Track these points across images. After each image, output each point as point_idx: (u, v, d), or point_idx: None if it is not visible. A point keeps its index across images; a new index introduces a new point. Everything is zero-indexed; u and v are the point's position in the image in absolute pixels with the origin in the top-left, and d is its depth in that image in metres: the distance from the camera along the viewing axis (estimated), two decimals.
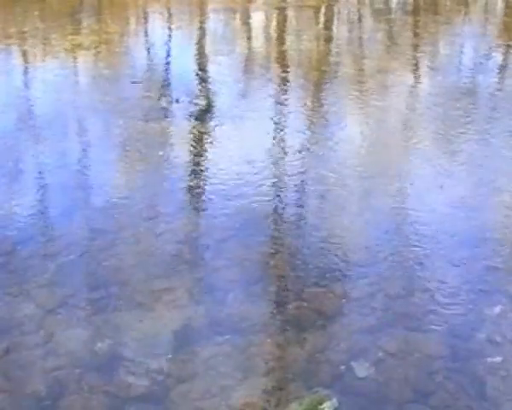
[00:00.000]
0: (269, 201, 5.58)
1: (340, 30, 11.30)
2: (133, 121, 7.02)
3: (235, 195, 5.60)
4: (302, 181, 5.93)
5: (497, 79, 8.60)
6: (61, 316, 4.26)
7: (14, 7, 11.60)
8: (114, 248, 4.92)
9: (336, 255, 4.84)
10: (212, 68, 8.86)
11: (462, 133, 6.81)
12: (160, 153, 6.40)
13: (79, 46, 9.46)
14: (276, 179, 5.95)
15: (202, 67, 8.95)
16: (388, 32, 10.98)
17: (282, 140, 6.76)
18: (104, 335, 4.12)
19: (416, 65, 9.22)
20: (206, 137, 6.76)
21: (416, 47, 9.98)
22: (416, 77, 8.79)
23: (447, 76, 8.63)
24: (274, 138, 6.77)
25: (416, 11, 12.20)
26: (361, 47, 10.26)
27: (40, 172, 6.11)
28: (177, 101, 7.53)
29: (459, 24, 11.54)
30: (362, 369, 3.88)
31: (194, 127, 6.96)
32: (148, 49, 10.07)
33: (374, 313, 4.30)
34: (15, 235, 5.06)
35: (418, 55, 9.59)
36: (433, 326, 4.19)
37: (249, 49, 10.03)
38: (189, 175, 6.04)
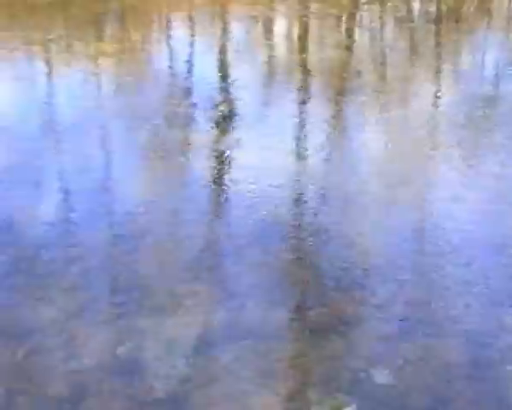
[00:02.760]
0: (290, 208, 5.60)
1: (361, 38, 11.28)
2: (155, 128, 7.07)
3: (257, 202, 5.62)
4: (323, 189, 5.93)
5: None
6: (82, 320, 4.29)
7: (38, 14, 11.68)
8: (136, 253, 4.96)
9: (357, 262, 4.85)
10: (234, 76, 8.89)
11: (485, 142, 6.78)
12: (182, 159, 6.44)
13: (103, 53, 9.54)
14: (297, 187, 5.96)
15: (225, 75, 8.99)
16: (410, 39, 10.95)
17: (304, 148, 6.77)
18: (125, 338, 4.14)
19: (439, 73, 9.20)
20: (227, 143, 6.78)
21: (438, 55, 9.97)
22: (438, 85, 8.77)
23: (470, 84, 8.60)
24: (296, 146, 6.78)
25: (438, 19, 12.16)
26: (383, 55, 10.25)
27: (63, 178, 6.17)
28: (200, 108, 7.57)
29: (482, 32, 11.49)
30: (381, 376, 3.87)
31: (215, 134, 7.00)
32: (171, 56, 10.11)
33: (394, 319, 4.30)
34: (38, 240, 5.11)
35: (441, 63, 9.57)
36: (454, 333, 4.18)
37: (271, 56, 10.04)
38: (211, 182, 6.07)
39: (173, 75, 9.13)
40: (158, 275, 4.73)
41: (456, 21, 11.86)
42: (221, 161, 6.46)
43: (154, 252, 4.99)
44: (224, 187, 5.98)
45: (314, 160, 6.43)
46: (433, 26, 11.65)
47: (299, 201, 5.75)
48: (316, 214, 5.52)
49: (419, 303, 4.46)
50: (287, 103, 7.84)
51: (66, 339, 4.15)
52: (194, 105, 7.70)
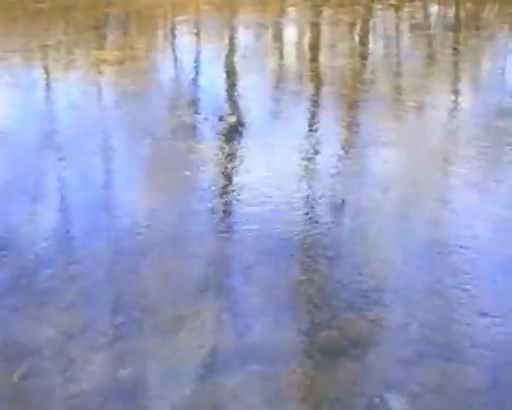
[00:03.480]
0: (300, 225, 5.58)
1: (375, 46, 11.31)
2: (160, 140, 7.09)
3: (265, 218, 5.63)
4: (336, 205, 5.93)
5: None
6: (81, 341, 4.29)
7: (36, 19, 11.75)
8: (138, 271, 4.96)
9: (370, 283, 4.83)
10: (242, 85, 8.94)
11: (505, 156, 6.77)
12: (187, 173, 6.45)
13: (104, 61, 9.59)
14: (307, 203, 5.95)
15: (232, 84, 9.03)
16: (427, 47, 10.97)
17: (315, 161, 6.76)
18: (126, 361, 4.14)
19: (457, 83, 9.21)
20: (234, 156, 6.80)
21: (456, 64, 9.97)
22: (456, 96, 8.78)
23: (490, 95, 8.59)
24: (306, 160, 6.78)
25: (456, 26, 12.18)
26: (398, 64, 10.26)
27: (62, 192, 6.20)
28: (206, 118, 7.60)
29: (503, 39, 11.49)
30: (397, 403, 3.85)
31: (222, 146, 7.01)
32: (176, 64, 10.16)
33: (410, 342, 4.28)
34: (36, 256, 5.13)
35: (459, 72, 9.58)
36: (473, 358, 4.16)
37: (281, 65, 10.07)
38: (217, 196, 6.07)
39: (178, 84, 9.18)
40: (161, 294, 4.72)
41: (476, 28, 11.85)
42: (228, 174, 6.46)
43: (157, 270, 4.99)
44: (230, 202, 5.97)
45: (326, 174, 6.43)
46: (451, 34, 11.67)
47: (310, 217, 5.74)
48: (327, 232, 5.51)
49: (436, 325, 4.44)
50: (297, 115, 7.87)
51: (65, 361, 4.15)
52: (200, 116, 7.74)
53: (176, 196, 6.03)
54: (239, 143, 7.11)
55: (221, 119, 7.64)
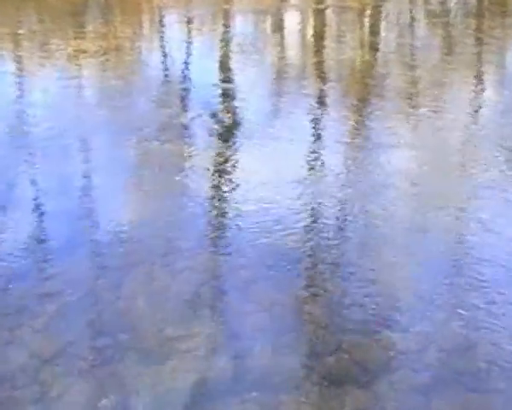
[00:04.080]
0: (304, 236, 5.60)
1: (388, 35, 11.34)
2: (147, 141, 7.11)
3: (265, 228, 5.64)
4: (343, 214, 5.96)
5: None
6: (59, 367, 4.29)
7: (5, 4, 11.73)
8: (123, 287, 4.96)
9: (383, 301, 4.85)
10: (238, 81, 8.98)
11: None
12: (177, 178, 6.47)
13: (84, 53, 9.62)
14: (312, 212, 5.97)
15: (227, 79, 9.07)
16: (446, 37, 11.00)
17: (320, 165, 6.79)
18: (109, 390, 4.13)
19: (479, 77, 9.24)
20: (231, 160, 6.82)
21: (478, 55, 10.01)
22: (478, 91, 8.83)
23: None
24: (310, 163, 6.81)
25: (478, 13, 12.20)
26: (413, 56, 10.29)
27: (38, 199, 6.20)
28: (198, 117, 7.65)
29: None
30: None
31: (217, 148, 7.04)
32: (165, 56, 10.18)
33: (426, 369, 4.29)
34: (9, 271, 5.12)
35: (482, 65, 9.60)
36: (497, 386, 4.16)
37: (281, 58, 10.11)
38: (211, 205, 6.09)
39: (167, 79, 9.21)
40: (148, 314, 4.72)
41: (502, 15, 11.84)
42: (223, 180, 6.48)
43: (144, 286, 4.99)
44: (226, 211, 5.99)
45: (331, 181, 6.45)
46: (472, 21, 11.68)
47: (314, 228, 5.75)
48: (335, 244, 5.52)
49: (456, 349, 4.44)
50: (300, 114, 7.90)
51: (40, 390, 4.14)
52: (192, 114, 7.77)
53: (165, 205, 6.04)
54: (235, 144, 7.14)
55: (215, 118, 7.68)
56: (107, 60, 9.44)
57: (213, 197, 6.21)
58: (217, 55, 10.05)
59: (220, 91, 8.57)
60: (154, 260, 5.26)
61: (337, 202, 6.09)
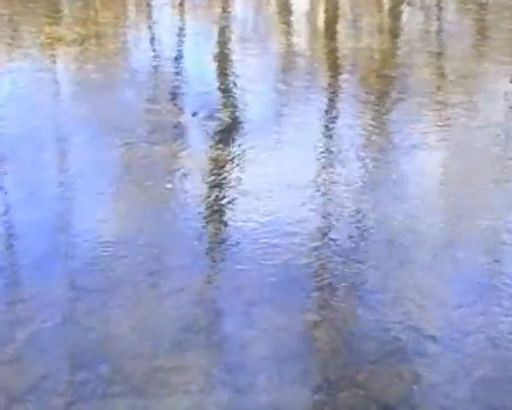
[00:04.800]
0: (314, 252, 5.61)
1: (411, 20, 11.33)
2: (133, 143, 7.15)
3: (269, 243, 5.65)
4: (359, 227, 5.97)
5: None
6: (31, 405, 4.26)
7: None
8: (106, 312, 4.96)
9: (404, 325, 4.84)
10: (238, 72, 9.02)
11: None
12: (169, 185, 6.50)
13: (60, 40, 9.66)
14: (323, 224, 6.00)
15: (225, 71, 9.12)
16: (478, 22, 10.99)
17: (333, 170, 6.80)
18: None
19: None
20: (230, 164, 6.84)
21: None
22: None
23: None
24: (321, 168, 6.83)
25: None
26: (440, 43, 10.33)
27: (7, 210, 6.21)
28: (193, 115, 7.70)
29: None
30: None
31: (214, 152, 7.06)
32: (153, 45, 10.23)
33: (457, 405, 4.28)
34: None
35: None
36: None
37: (287, 46, 10.15)
38: (208, 216, 6.10)
39: (157, 72, 9.22)
40: (134, 342, 4.71)
41: None
42: (221, 188, 6.48)
43: (130, 311, 5.00)
44: (225, 223, 6.01)
45: (345, 188, 6.47)
46: (509, 2, 11.68)
47: (325, 242, 5.75)
48: (350, 260, 5.53)
49: (491, 383, 4.43)
50: (309, 111, 7.93)
51: None
52: (186, 113, 7.81)
53: (154, 216, 6.06)
54: (235, 147, 7.15)
55: (213, 117, 7.71)
56: (87, 49, 9.47)
57: (210, 208, 6.21)
58: (214, 43, 10.08)
59: (218, 86, 8.63)
60: (141, 279, 5.26)
61: (352, 213, 6.11)
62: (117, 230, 5.85)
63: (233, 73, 9.06)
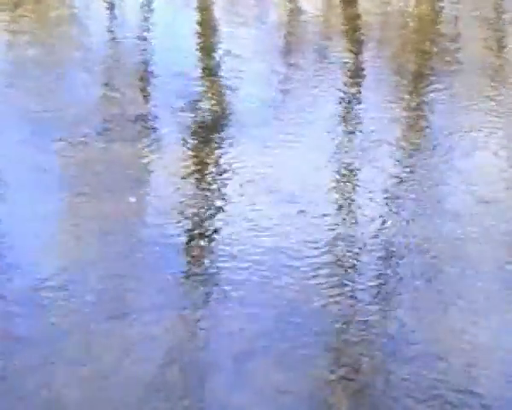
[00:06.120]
0: (328, 286, 5.60)
1: None
2: (83, 142, 7.18)
3: (266, 276, 5.65)
4: (383, 247, 6.00)
5: None
6: None
7: None
8: (51, 369, 4.92)
9: (442, 380, 4.84)
10: (226, 48, 9.09)
11: None
12: (133, 199, 6.51)
13: None
14: (340, 249, 6.00)
15: (209, 47, 9.20)
16: None
17: (349, 176, 6.87)
18: None
19: None
20: (213, 169, 6.88)
21: None
22: None
23: None
24: (336, 174, 6.87)
25: None
26: (496, 10, 10.35)
27: None
28: (166, 107, 7.74)
29: None
30: None
31: (194, 155, 7.12)
32: (112, 12, 10.27)
33: None
34: None
35: None
36: None
37: (291, 12, 10.22)
38: (185, 238, 6.10)
39: (118, 48, 9.29)
40: (88, 409, 4.69)
41: None
42: (201, 201, 6.50)
43: (83, 368, 4.93)
44: (207, 250, 6.00)
45: (369, 199, 6.51)
46: None
47: (342, 273, 5.75)
48: (373, 299, 5.53)
49: None
50: (320, 99, 8.01)
51: None
52: (157, 103, 7.89)
53: (114, 240, 6.07)
54: (222, 148, 7.20)
55: (190, 107, 7.77)
56: (22, 16, 9.50)
57: (188, 231, 6.21)
58: (195, 8, 10.11)
59: (199, 66, 8.70)
60: (97, 325, 5.23)
61: (377, 233, 6.15)
62: (62, 261, 5.82)
63: (219, 48, 9.16)
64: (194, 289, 5.64)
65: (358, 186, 6.72)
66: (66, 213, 6.44)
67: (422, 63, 8.71)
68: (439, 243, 6.00)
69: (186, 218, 6.32)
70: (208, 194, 6.61)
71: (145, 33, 9.49)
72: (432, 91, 8.20)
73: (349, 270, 5.80)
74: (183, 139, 7.31)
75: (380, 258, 5.91)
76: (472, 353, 5.09)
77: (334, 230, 6.16)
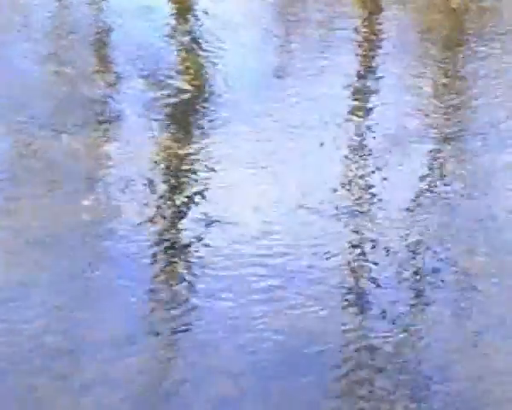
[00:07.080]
0: (339, 322, 5.59)
1: None
2: (25, 131, 7.17)
3: (257, 307, 5.63)
4: (413, 275, 5.97)
5: None
6: None
7: None
8: None
9: None
10: (206, 10, 9.15)
11: None
12: (86, 203, 6.44)
13: None
14: (342, 259, 6.03)
15: (185, 9, 9.22)
16: None
17: (360, 176, 6.90)
18: None
19: None
20: (190, 165, 6.85)
21: None
22: None
23: None
24: (346, 176, 6.89)
25: None
26: None
27: None
28: (130, 85, 7.74)
29: None
30: None
31: (164, 143, 7.08)
32: None
33: None
34: None
35: None
36: None
37: None
38: (156, 257, 6.05)
39: (73, 12, 9.27)
40: None
41: None
42: (178, 206, 6.49)
43: None
44: (186, 269, 5.94)
45: (388, 210, 6.55)
46: None
47: (357, 303, 5.75)
48: (395, 336, 5.50)
49: None
50: (322, 76, 8.09)
51: None
52: (118, 80, 7.90)
53: (60, 254, 6.00)
54: (202, 135, 7.21)
55: (161, 83, 7.80)
56: None
57: (160, 252, 6.17)
58: None
59: (174, 35, 8.76)
60: (55, 379, 5.12)
61: (389, 244, 6.18)
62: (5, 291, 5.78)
63: (197, 11, 9.23)
64: (166, 333, 5.57)
65: (366, 179, 6.81)
66: (0, 219, 6.37)
67: (454, 27, 8.88)
68: (475, 269, 6.07)
69: (157, 235, 6.31)
70: (185, 189, 6.65)
71: None
72: (468, 65, 8.35)
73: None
74: (150, 126, 7.31)
75: (398, 258, 5.92)
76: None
77: (342, 236, 6.20)
